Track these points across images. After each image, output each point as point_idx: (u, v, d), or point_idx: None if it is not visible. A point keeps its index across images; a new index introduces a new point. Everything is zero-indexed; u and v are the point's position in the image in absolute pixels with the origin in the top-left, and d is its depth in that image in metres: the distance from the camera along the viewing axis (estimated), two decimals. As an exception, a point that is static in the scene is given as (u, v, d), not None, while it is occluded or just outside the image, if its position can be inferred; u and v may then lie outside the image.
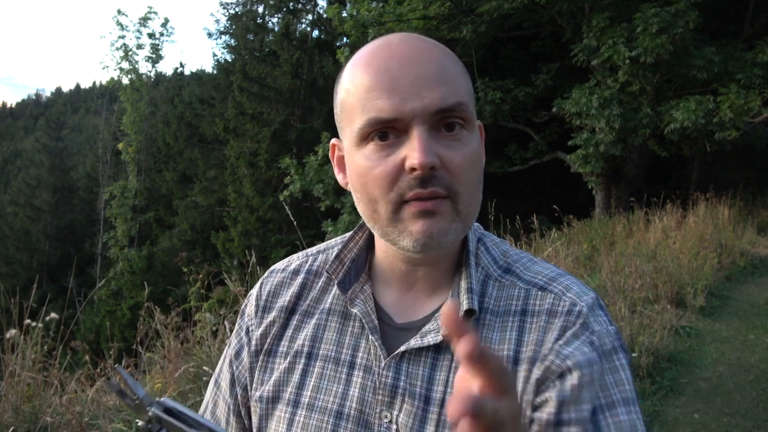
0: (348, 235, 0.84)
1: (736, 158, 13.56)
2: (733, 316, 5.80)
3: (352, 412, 0.74)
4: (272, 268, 0.90)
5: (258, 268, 3.88)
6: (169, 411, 0.58)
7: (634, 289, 5.39)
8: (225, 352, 0.89)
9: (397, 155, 0.68)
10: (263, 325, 0.84)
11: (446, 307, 0.43)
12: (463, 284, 0.74)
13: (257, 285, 0.89)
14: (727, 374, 4.42)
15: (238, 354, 0.85)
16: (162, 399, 0.58)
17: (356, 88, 0.70)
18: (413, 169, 0.66)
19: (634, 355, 4.20)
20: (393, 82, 0.67)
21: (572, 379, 0.67)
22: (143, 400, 0.58)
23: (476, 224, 0.83)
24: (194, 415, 0.57)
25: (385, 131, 0.68)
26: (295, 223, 4.21)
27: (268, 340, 0.83)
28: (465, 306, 0.72)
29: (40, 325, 2.97)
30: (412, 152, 0.66)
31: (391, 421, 0.73)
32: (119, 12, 29.34)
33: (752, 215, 10.48)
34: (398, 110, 0.66)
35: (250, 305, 0.87)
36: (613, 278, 5.62)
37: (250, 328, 0.85)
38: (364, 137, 0.69)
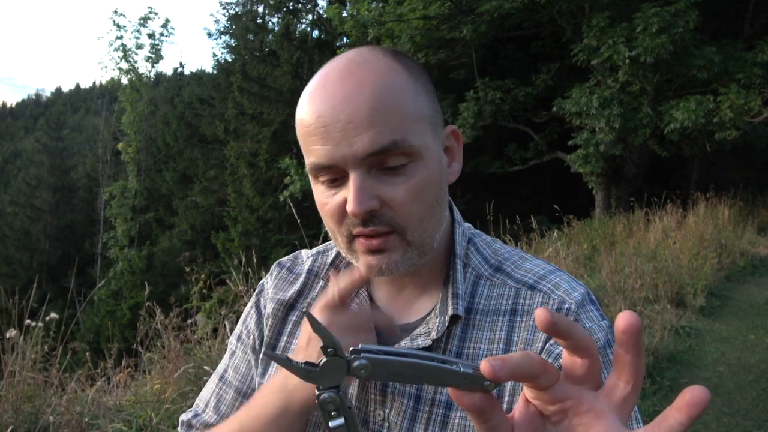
0: None
1: (736, 158, 13.56)
2: (733, 316, 5.80)
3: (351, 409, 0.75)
4: (280, 261, 0.93)
5: (256, 269, 3.87)
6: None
7: (634, 289, 5.39)
8: (234, 346, 0.90)
9: (341, 194, 0.70)
10: (266, 315, 0.87)
11: (541, 314, 0.43)
12: (450, 289, 0.76)
13: (268, 278, 0.91)
14: (727, 374, 4.42)
15: (262, 341, 0.87)
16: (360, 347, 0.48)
17: (301, 127, 0.72)
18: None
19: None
20: (325, 129, 0.68)
21: None
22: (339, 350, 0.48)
23: (467, 224, 0.84)
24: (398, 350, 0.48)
25: (329, 172, 0.70)
26: (299, 221, 4.19)
27: (269, 333, 0.85)
28: (450, 312, 0.73)
29: (40, 324, 2.97)
30: (349, 197, 0.68)
31: (384, 420, 0.74)
32: (116, 12, 29.16)
33: (752, 215, 10.47)
34: (331, 157, 0.68)
35: (264, 296, 0.89)
36: (613, 278, 5.62)
37: (267, 316, 0.87)
38: (315, 176, 0.72)
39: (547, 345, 0.70)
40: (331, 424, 0.52)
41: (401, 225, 0.69)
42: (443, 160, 0.75)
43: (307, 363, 0.50)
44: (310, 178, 0.74)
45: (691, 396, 0.38)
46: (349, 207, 0.67)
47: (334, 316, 0.72)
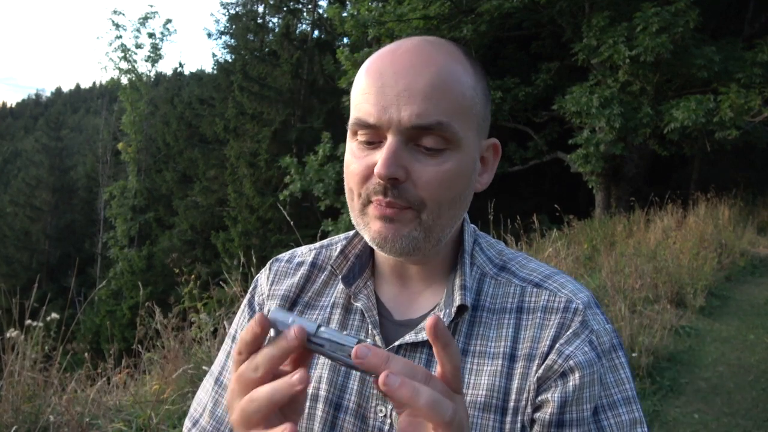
0: (353, 231, 0.85)
1: (736, 158, 13.56)
2: (733, 316, 5.80)
3: (351, 404, 0.75)
4: (276, 257, 0.92)
5: (256, 269, 3.86)
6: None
7: (634, 289, 5.39)
8: (229, 346, 0.88)
9: (372, 157, 0.70)
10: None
11: (430, 320, 0.51)
12: (458, 281, 0.76)
13: (263, 273, 0.90)
14: (727, 374, 4.42)
15: None
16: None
17: (357, 86, 0.73)
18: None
19: (633, 354, 4.20)
20: (381, 89, 0.69)
21: (574, 379, 0.69)
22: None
23: (472, 226, 0.84)
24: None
25: (369, 132, 0.71)
26: (292, 223, 4.19)
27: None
28: (457, 302, 0.73)
29: (40, 324, 2.97)
30: (380, 159, 0.68)
31: (385, 416, 0.73)
32: (115, 12, 29.22)
33: (752, 215, 10.47)
34: (377, 117, 0.69)
35: (259, 293, 0.88)
36: (613, 278, 5.62)
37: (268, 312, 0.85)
38: (354, 132, 0.73)
39: (557, 345, 0.71)
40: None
41: (420, 203, 0.69)
42: (477, 165, 0.75)
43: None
44: (349, 136, 0.75)
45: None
46: (378, 168, 0.68)
47: None
